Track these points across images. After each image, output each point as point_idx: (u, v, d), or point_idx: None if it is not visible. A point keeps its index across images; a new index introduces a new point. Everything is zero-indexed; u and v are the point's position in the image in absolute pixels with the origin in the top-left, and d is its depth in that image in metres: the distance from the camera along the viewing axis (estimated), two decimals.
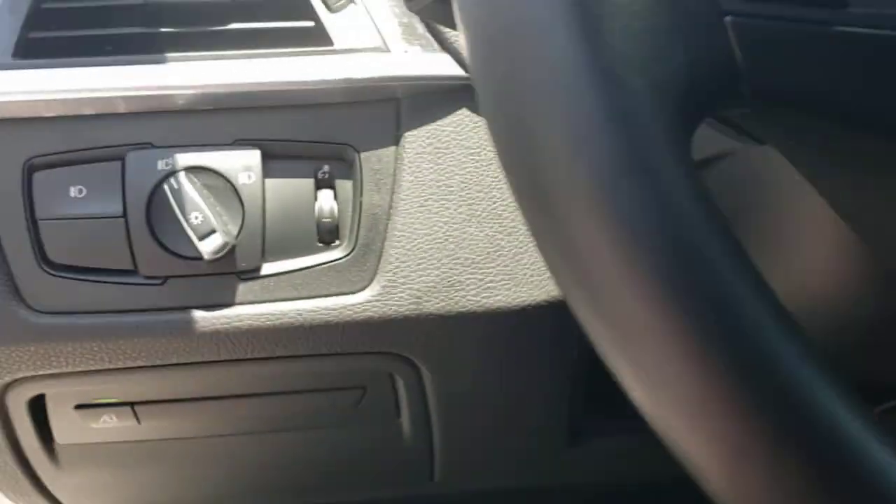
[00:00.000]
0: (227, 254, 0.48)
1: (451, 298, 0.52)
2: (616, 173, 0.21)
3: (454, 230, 0.51)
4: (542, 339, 0.56)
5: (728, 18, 0.25)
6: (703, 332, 0.21)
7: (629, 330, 0.22)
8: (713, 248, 0.22)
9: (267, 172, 0.50)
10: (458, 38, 0.52)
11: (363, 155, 0.51)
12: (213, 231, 0.47)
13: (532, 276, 0.53)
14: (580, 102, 0.22)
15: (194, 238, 0.47)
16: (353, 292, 0.51)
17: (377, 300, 0.51)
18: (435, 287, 0.51)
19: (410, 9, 0.47)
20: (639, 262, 0.21)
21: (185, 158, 0.49)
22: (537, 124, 0.22)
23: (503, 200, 0.52)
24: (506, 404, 0.59)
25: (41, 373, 0.51)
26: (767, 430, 0.21)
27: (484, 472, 0.66)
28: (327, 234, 0.51)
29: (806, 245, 0.39)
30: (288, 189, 0.51)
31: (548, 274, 0.53)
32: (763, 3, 0.24)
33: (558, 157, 0.22)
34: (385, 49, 0.51)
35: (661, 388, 0.22)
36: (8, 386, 0.52)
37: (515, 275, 0.53)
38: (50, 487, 0.60)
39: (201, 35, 0.50)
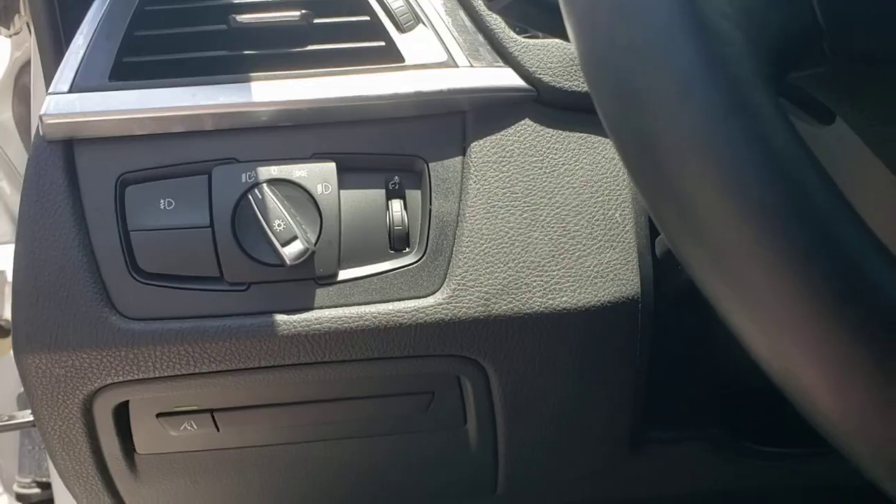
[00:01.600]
0: (307, 260, 0.51)
1: (518, 300, 0.54)
2: (721, 113, 0.24)
3: (519, 234, 0.54)
4: (608, 343, 0.58)
5: None
6: (806, 253, 0.23)
7: (739, 255, 0.24)
8: (813, 182, 0.24)
9: (342, 183, 0.53)
10: (521, 51, 0.56)
11: (431, 165, 0.54)
12: (295, 237, 0.50)
13: (596, 277, 0.55)
14: (685, 50, 0.24)
15: (277, 244, 0.50)
16: (425, 296, 0.54)
17: (447, 302, 0.54)
18: (502, 289, 0.54)
19: (491, 8, 0.50)
20: (747, 196, 0.24)
21: (266, 171, 0.52)
22: (644, 76, 0.25)
23: (566, 205, 0.55)
24: (570, 409, 0.61)
25: (129, 377, 0.54)
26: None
27: (546, 484, 0.67)
28: (399, 242, 0.54)
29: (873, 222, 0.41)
30: (361, 199, 0.54)
31: (612, 276, 0.56)
32: None
33: (667, 101, 0.25)
34: (452, 64, 0.54)
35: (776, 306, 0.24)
36: (96, 393, 0.55)
37: (579, 277, 0.55)
38: (126, 497, 0.62)
39: (281, 56, 0.54)
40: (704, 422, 0.68)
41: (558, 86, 0.56)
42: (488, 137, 0.54)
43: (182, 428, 0.58)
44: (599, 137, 0.57)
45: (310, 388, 0.57)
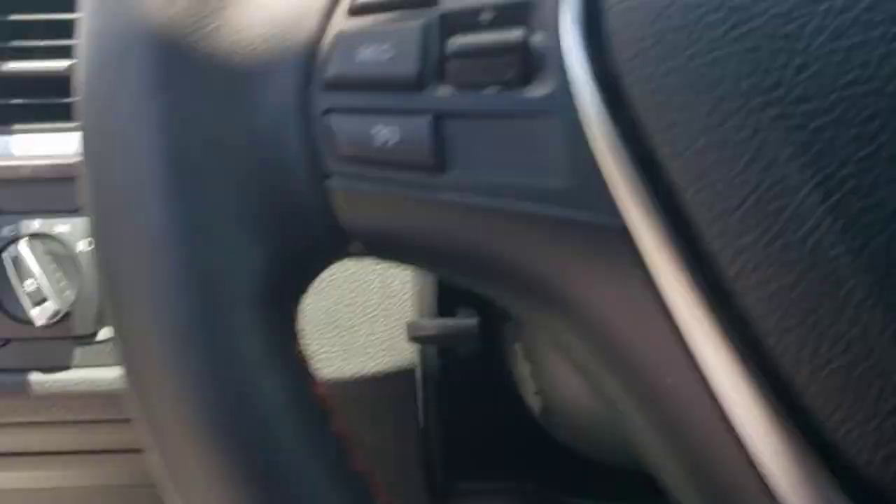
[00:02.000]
0: (63, 319, 0.50)
1: None
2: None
3: None
4: (383, 410, 0.57)
5: (329, 181, 0.25)
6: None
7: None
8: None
9: None
10: None
11: None
12: (45, 299, 0.49)
13: (368, 347, 0.54)
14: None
15: (26, 305, 0.49)
16: None
17: None
18: None
19: None
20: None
21: (27, 226, 0.51)
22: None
23: (341, 273, 0.54)
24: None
25: None
26: None
27: None
28: None
29: None
30: None
31: (385, 345, 0.55)
32: (362, 166, 0.24)
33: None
34: None
35: None
36: None
37: (350, 347, 0.54)
38: None
39: (48, 107, 0.52)
40: (515, 474, 0.68)
41: None
42: None
43: None
44: None
45: (71, 440, 0.56)
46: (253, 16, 0.25)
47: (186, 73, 0.23)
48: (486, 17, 0.23)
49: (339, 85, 0.25)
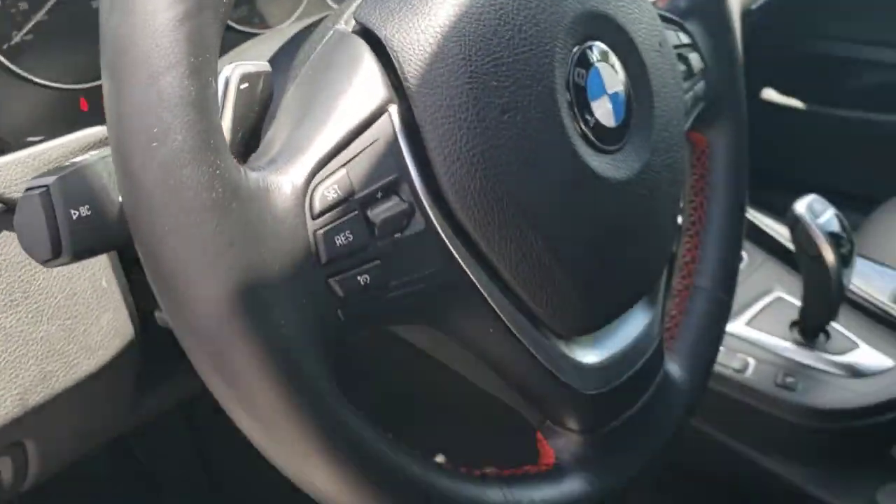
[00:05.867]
0: None
1: (49, 388, 0.54)
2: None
3: (24, 329, 0.53)
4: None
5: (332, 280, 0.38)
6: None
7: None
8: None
9: None
10: None
11: None
12: None
13: (103, 339, 0.57)
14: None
15: None
16: None
17: None
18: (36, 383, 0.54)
19: None
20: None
21: None
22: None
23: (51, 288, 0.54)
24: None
25: None
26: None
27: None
28: None
29: None
30: None
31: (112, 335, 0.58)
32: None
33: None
34: None
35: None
36: None
37: (89, 345, 0.56)
38: None
39: None
40: None
41: None
42: None
43: None
44: None
45: None
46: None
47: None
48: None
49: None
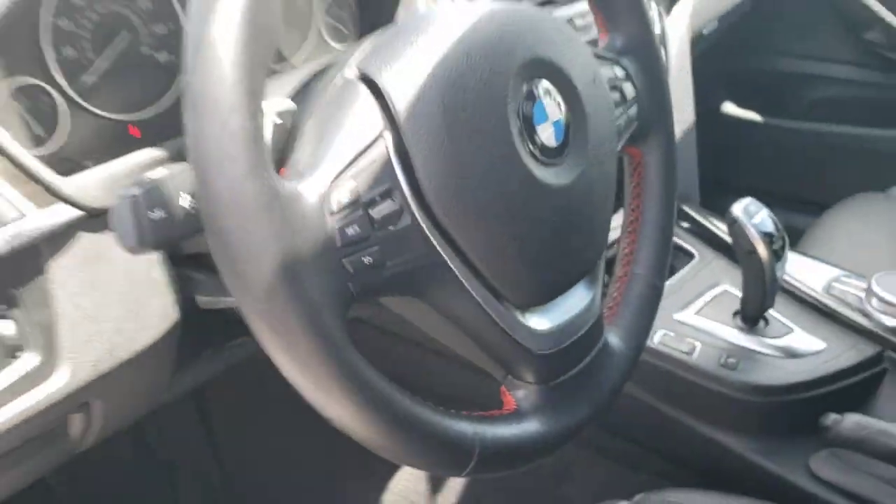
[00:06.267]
0: None
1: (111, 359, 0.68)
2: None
3: (102, 314, 0.67)
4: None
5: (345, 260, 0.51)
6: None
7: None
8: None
9: None
10: None
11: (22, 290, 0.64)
12: None
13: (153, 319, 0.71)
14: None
15: None
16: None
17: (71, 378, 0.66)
18: (105, 355, 0.68)
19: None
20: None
21: None
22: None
23: (117, 281, 0.69)
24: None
25: None
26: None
27: None
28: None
29: None
30: None
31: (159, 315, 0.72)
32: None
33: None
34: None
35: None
36: None
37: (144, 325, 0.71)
38: None
39: None
40: None
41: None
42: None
43: None
44: None
45: None
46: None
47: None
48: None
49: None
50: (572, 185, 0.61)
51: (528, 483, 1.28)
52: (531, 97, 0.59)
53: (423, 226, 0.54)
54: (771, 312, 1.12)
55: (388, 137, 0.54)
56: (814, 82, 1.98)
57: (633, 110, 0.74)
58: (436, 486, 1.32)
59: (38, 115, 0.68)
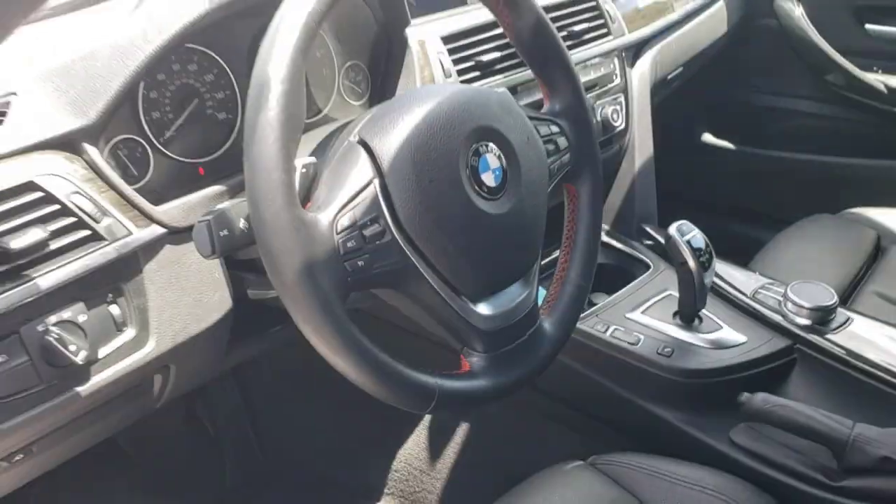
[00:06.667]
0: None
1: (186, 330, 0.96)
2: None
3: (186, 297, 0.95)
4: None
5: (345, 263, 0.78)
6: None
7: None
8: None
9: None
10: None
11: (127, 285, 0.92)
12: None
13: (212, 310, 0.97)
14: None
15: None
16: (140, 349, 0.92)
17: (158, 345, 0.93)
18: (182, 328, 0.95)
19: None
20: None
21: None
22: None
23: (204, 281, 0.93)
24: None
25: None
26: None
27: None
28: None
29: None
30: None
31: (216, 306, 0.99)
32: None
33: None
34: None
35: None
36: None
37: (207, 311, 0.95)
38: None
39: None
40: None
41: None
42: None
43: None
44: None
45: None
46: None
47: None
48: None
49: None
50: (507, 214, 0.87)
51: (505, 452, 1.54)
52: (477, 153, 0.85)
53: (399, 241, 0.80)
54: (705, 312, 1.36)
55: (376, 182, 0.80)
56: (781, 115, 2.22)
57: (566, 157, 1.00)
58: (434, 454, 1.59)
59: (134, 160, 0.96)
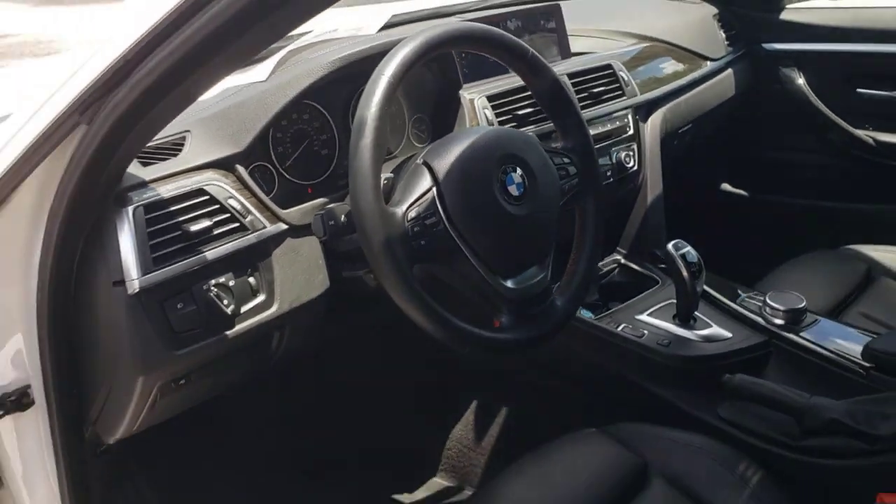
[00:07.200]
0: None
1: (288, 301, 1.32)
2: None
3: (300, 274, 1.32)
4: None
5: (412, 243, 1.14)
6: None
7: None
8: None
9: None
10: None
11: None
12: None
13: (313, 290, 1.31)
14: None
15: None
16: (268, 309, 1.29)
17: (279, 309, 1.30)
18: (295, 298, 1.31)
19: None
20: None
21: None
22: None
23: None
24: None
25: None
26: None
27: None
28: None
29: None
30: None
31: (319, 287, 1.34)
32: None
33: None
34: None
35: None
36: None
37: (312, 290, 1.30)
38: None
39: None
40: None
41: None
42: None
43: None
44: None
45: None
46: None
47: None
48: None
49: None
50: (526, 216, 1.21)
51: (536, 430, 1.77)
52: (505, 171, 1.21)
53: (449, 230, 1.13)
54: (698, 314, 1.68)
55: (434, 190, 1.14)
56: (788, 166, 2.53)
57: (574, 181, 1.35)
58: (480, 433, 1.92)
59: (266, 179, 1.35)
